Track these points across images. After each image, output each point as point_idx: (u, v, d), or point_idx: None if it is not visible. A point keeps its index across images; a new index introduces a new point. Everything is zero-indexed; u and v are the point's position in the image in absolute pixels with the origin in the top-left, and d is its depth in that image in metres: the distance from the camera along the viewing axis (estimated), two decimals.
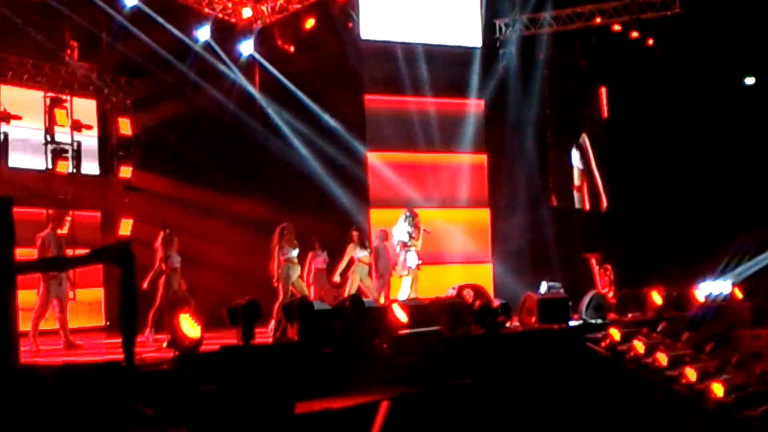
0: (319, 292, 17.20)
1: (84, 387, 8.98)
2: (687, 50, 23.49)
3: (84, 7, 18.63)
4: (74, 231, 17.70)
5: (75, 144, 19.38)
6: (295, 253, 15.63)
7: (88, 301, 19.03)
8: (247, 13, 21.28)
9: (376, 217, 21.16)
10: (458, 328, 14.11)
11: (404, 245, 17.81)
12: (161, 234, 14.68)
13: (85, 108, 19.98)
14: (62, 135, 19.16)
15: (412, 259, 17.76)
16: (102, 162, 20.23)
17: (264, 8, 21.51)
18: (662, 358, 14.71)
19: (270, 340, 13.08)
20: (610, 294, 18.95)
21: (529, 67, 23.66)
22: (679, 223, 25.07)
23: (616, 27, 22.98)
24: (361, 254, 17.53)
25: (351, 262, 17.51)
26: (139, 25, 19.04)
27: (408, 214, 18.08)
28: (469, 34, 22.99)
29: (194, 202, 19.49)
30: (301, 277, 16.01)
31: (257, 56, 21.53)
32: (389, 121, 22.03)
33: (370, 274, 17.78)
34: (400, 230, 17.97)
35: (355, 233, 17.83)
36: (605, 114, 27.63)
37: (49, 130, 18.98)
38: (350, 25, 21.73)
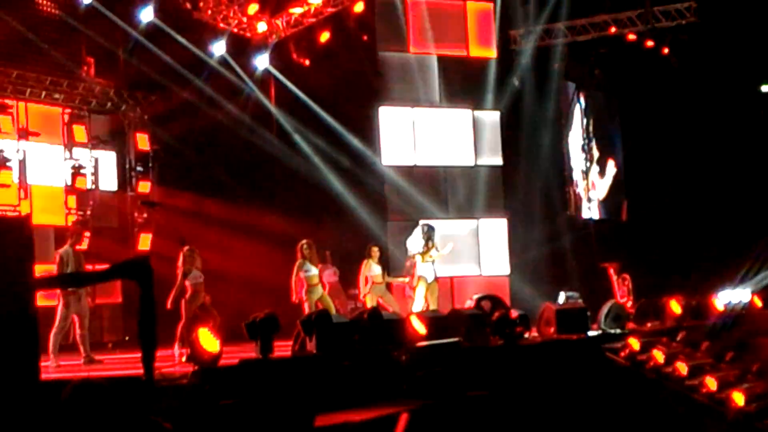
0: (336, 305, 17.16)
1: (104, 402, 8.98)
2: (703, 59, 23.45)
3: (100, 24, 18.75)
4: (93, 246, 17.78)
5: (93, 160, 19.49)
6: (315, 271, 15.64)
7: (107, 317, 19.10)
8: (262, 27, 21.37)
9: (394, 229, 21.18)
10: (477, 339, 14.07)
11: (418, 256, 17.79)
12: (182, 251, 14.66)
13: (103, 124, 20.09)
14: (80, 151, 19.25)
15: (427, 271, 17.72)
16: (120, 177, 20.32)
17: (279, 22, 21.61)
18: (682, 368, 14.62)
19: (289, 353, 13.08)
20: (629, 303, 18.84)
21: (544, 77, 23.67)
22: (698, 232, 25.00)
23: (631, 37, 22.97)
24: (375, 273, 17.37)
25: (366, 281, 17.42)
26: (155, 41, 19.17)
27: (425, 228, 18.06)
28: (484, 44, 23.01)
29: (212, 216, 19.56)
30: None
31: (273, 70, 21.62)
32: (405, 133, 22.08)
33: (388, 289, 17.73)
34: (415, 242, 17.97)
35: (371, 249, 17.69)
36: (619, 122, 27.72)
37: (67, 147, 19.10)
38: (365, 38, 21.78)
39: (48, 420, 8.52)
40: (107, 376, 11.65)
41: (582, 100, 26.83)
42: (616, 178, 27.98)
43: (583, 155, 26.58)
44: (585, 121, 26.85)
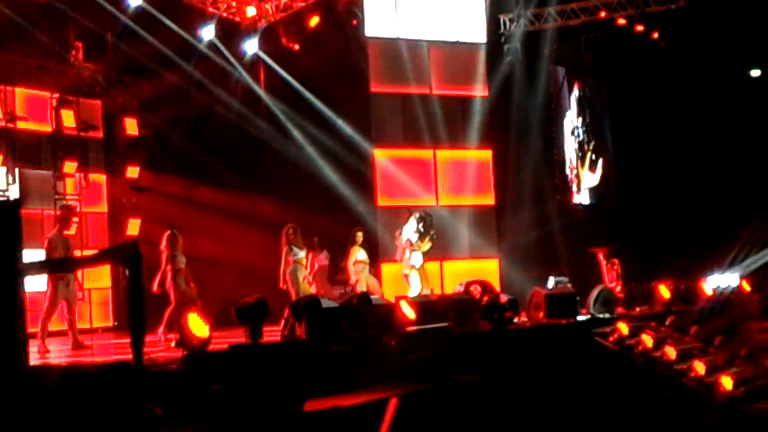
0: (320, 290, 17.14)
1: (93, 387, 8.98)
2: (692, 44, 23.45)
3: (89, 8, 18.63)
4: (82, 232, 17.74)
5: (82, 145, 19.40)
6: (302, 254, 15.65)
7: (96, 302, 19.08)
8: (251, 11, 21.27)
9: (383, 213, 21.19)
10: (466, 324, 14.12)
11: (411, 244, 17.81)
12: (166, 234, 14.63)
13: (92, 109, 20.01)
14: (69, 136, 19.17)
15: (417, 259, 17.75)
16: (109, 162, 20.25)
17: (268, 7, 21.50)
18: (671, 352, 14.68)
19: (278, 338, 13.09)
20: (618, 288, 18.91)
21: (533, 62, 23.65)
22: (687, 217, 25.07)
23: (621, 21, 22.94)
24: (361, 258, 17.38)
25: (354, 266, 17.42)
26: (143, 25, 19.06)
27: (421, 215, 18.09)
28: (474, 30, 22.98)
29: (201, 201, 19.51)
30: (305, 277, 16.07)
31: (262, 55, 21.53)
32: (395, 117, 22.05)
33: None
34: (410, 229, 17.99)
35: (355, 235, 17.71)
36: (608, 107, 27.74)
37: (55, 132, 19.02)
38: (355, 22, 21.72)
39: (36, 405, 8.52)
40: (96, 362, 11.67)
41: (578, 88, 26.83)
42: (606, 163, 28.00)
43: (575, 140, 26.59)
44: (579, 108, 26.86)
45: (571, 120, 26.54)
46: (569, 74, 26.16)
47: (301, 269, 15.64)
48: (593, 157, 27.36)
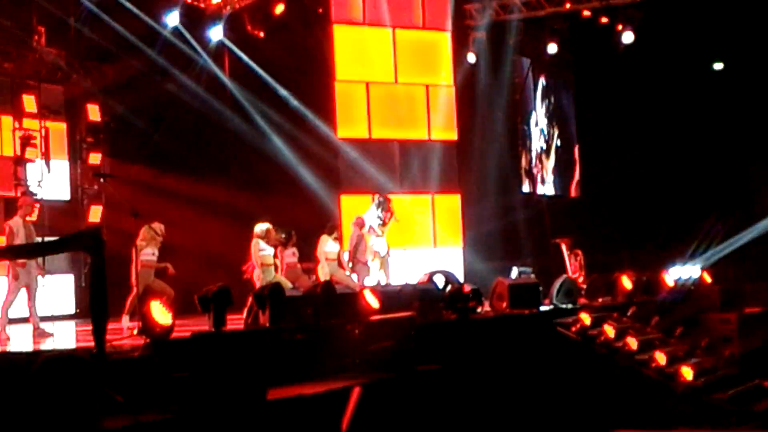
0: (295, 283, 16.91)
1: (54, 375, 8.91)
2: (657, 36, 23.58)
3: None
4: (43, 218, 17.56)
5: (43, 131, 19.17)
6: (270, 251, 15.45)
7: (58, 289, 18.91)
8: None
9: (347, 202, 21.18)
10: (430, 313, 14.12)
11: (373, 230, 17.71)
12: (143, 227, 14.33)
13: (54, 94, 19.79)
14: (30, 122, 18.96)
15: (380, 246, 17.69)
16: (71, 149, 20.06)
17: None
18: (632, 343, 14.79)
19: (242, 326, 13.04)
20: (581, 279, 19.00)
21: (499, 53, 23.69)
22: (649, 209, 25.26)
23: (586, 13, 23.03)
24: (331, 250, 17.12)
25: (323, 257, 17.14)
26: (107, 11, 18.88)
27: (381, 200, 17.99)
28: (439, 19, 22.98)
29: (165, 189, 19.34)
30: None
31: (227, 42, 21.40)
32: (359, 106, 22.03)
33: (340, 265, 17.52)
34: (371, 215, 17.90)
35: (332, 226, 17.46)
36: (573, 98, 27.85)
37: (16, 117, 18.80)
38: (320, 10, 21.67)
39: None
40: (58, 348, 11.58)
41: (543, 79, 26.91)
42: (571, 155, 28.13)
43: (539, 131, 26.69)
44: (544, 99, 26.95)
45: (536, 111, 26.64)
46: (534, 65, 26.24)
47: (269, 270, 15.31)
48: (557, 147, 27.48)
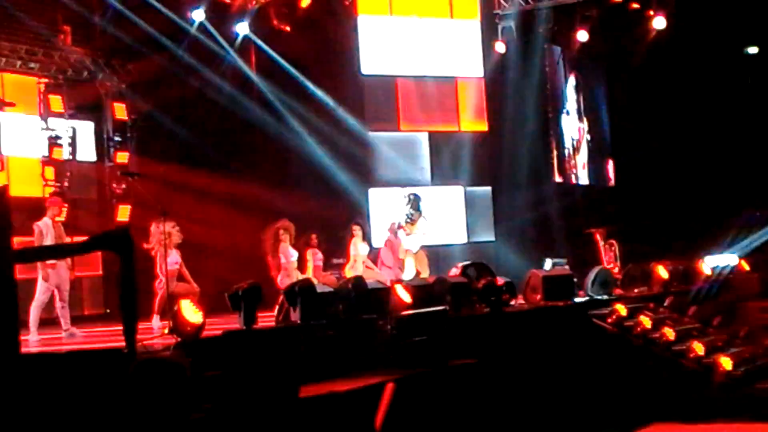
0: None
1: (85, 375, 8.85)
2: (690, 21, 23.27)
3: None
4: (72, 218, 17.53)
5: (70, 130, 19.17)
6: (295, 257, 15.34)
7: (87, 289, 18.90)
8: None
9: (377, 197, 21.05)
10: (463, 307, 14.00)
11: (402, 227, 17.59)
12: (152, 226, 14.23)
13: (80, 93, 19.77)
14: (57, 121, 18.95)
15: (411, 243, 17.53)
16: (98, 148, 20.04)
17: None
18: (669, 333, 14.60)
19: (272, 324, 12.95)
20: (616, 269, 18.80)
21: (528, 41, 23.48)
22: (685, 197, 24.95)
23: None
24: (362, 253, 17.03)
25: (353, 259, 17.04)
26: (132, 8, 18.83)
27: (411, 197, 17.86)
28: (468, 9, 22.80)
29: (192, 186, 19.27)
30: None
31: (253, 37, 21.29)
32: (389, 99, 21.91)
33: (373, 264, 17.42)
34: (401, 213, 17.80)
35: (355, 228, 17.34)
36: (605, 86, 27.58)
37: (43, 117, 18.80)
38: (346, 2, 21.55)
39: (28, 394, 8.38)
40: (89, 349, 11.52)
41: (572, 68, 26.63)
42: (604, 143, 27.88)
43: (571, 120, 26.43)
44: (575, 88, 26.71)
45: (567, 99, 26.39)
46: (565, 53, 25.97)
47: (294, 275, 15.18)
48: (590, 137, 27.21)
